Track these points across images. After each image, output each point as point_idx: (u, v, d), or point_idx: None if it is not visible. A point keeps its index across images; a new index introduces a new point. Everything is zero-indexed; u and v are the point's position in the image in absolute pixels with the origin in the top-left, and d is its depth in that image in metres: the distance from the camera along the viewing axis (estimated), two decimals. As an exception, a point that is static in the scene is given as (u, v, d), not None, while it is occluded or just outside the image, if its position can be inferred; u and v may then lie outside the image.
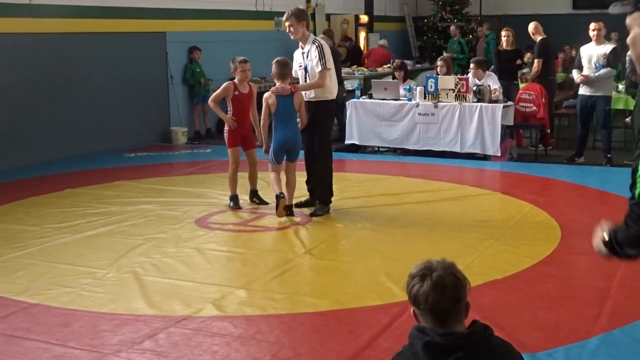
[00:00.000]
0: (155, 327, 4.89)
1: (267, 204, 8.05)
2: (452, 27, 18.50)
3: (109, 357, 4.47)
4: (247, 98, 8.10)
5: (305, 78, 7.71)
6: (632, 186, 2.57)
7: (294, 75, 7.95)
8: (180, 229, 7.27)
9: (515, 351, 2.55)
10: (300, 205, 7.94)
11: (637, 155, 2.55)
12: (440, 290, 2.40)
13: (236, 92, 7.96)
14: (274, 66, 7.60)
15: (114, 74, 11.94)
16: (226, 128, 8.07)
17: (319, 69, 7.50)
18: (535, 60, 11.38)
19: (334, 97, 7.90)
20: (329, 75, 7.61)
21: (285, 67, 7.60)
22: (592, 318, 4.79)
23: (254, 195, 8.22)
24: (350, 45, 17.34)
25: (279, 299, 5.41)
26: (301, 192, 8.08)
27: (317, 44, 7.60)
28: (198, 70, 13.16)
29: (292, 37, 7.75)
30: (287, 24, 7.65)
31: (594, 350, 4.43)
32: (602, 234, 2.76)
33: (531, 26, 11.60)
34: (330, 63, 7.58)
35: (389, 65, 15.68)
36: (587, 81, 10.00)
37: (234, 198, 8.04)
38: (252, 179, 8.20)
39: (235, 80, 8.07)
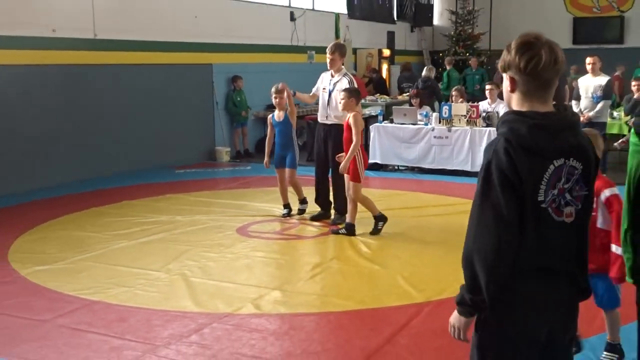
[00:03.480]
0: (201, 323, 4.91)
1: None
2: (447, 60, 18.06)
3: (160, 349, 4.50)
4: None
5: (328, 101, 7.66)
6: None
7: (315, 92, 7.93)
8: (223, 236, 7.30)
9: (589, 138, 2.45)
10: (315, 218, 7.93)
11: None
12: (554, 59, 2.28)
13: None
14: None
15: (167, 100, 12.06)
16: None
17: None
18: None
19: None
20: None
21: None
22: (590, 320, 4.71)
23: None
24: (377, 76, 17.31)
25: (309, 299, 5.42)
26: (315, 208, 8.14)
27: (348, 78, 7.61)
28: (240, 98, 13.22)
29: (329, 67, 7.69)
30: (330, 56, 7.62)
31: (592, 347, 4.38)
32: None
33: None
34: None
35: (407, 94, 15.61)
36: (590, 119, 9.88)
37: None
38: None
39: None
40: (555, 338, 2.40)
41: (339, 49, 7.65)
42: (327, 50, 7.69)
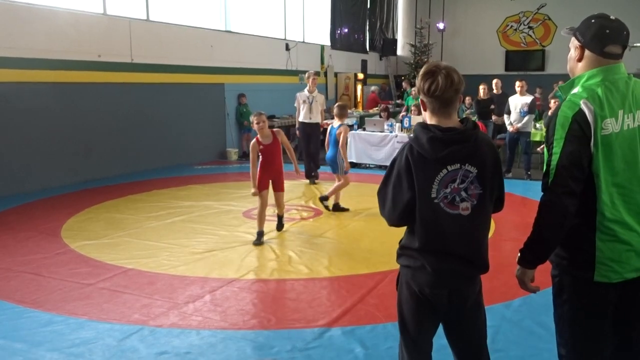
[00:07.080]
0: (214, 286, 4.89)
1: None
2: (404, 83, 18.12)
3: (182, 306, 4.47)
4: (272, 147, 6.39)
5: (309, 110, 9.35)
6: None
7: (296, 107, 9.56)
8: (232, 218, 7.26)
9: (494, 145, 2.36)
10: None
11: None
12: (450, 82, 2.21)
13: (261, 147, 6.38)
14: (336, 109, 7.56)
15: (189, 111, 11.95)
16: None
17: (324, 107, 9.52)
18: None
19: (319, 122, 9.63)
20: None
21: (344, 108, 7.66)
22: (516, 286, 4.73)
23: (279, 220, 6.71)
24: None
25: (299, 267, 5.40)
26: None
27: (323, 94, 9.47)
28: (244, 111, 13.19)
29: (311, 86, 9.33)
30: (313, 77, 9.39)
31: (517, 307, 4.40)
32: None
33: (496, 82, 11.56)
34: None
35: (377, 107, 15.66)
36: (518, 129, 9.89)
37: (260, 234, 6.26)
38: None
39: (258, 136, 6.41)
40: (454, 300, 2.39)
41: (317, 75, 9.41)
42: (311, 74, 9.39)
